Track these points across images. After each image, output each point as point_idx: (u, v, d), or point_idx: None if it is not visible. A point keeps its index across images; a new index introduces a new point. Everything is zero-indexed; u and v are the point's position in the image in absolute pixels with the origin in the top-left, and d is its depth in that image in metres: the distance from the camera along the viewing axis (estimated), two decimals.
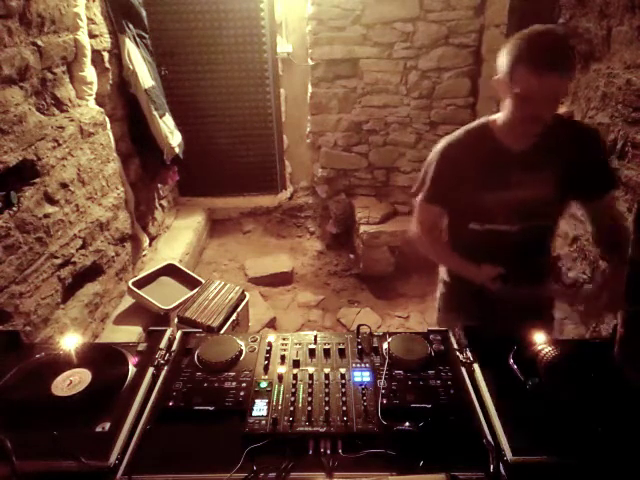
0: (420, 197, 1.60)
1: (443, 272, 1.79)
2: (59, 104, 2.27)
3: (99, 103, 2.63)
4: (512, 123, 1.39)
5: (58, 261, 2.17)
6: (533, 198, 1.44)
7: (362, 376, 1.16)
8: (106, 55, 2.72)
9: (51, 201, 2.13)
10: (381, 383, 1.13)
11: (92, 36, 2.54)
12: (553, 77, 1.23)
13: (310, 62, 3.58)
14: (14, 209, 1.88)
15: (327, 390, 1.12)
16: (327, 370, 1.18)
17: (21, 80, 1.96)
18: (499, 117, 1.44)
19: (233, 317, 2.53)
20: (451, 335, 1.32)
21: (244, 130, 3.91)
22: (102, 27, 2.68)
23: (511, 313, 1.46)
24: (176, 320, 2.49)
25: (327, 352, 1.25)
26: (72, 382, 1.12)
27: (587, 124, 1.55)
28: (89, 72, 2.47)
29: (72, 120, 2.31)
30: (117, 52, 2.85)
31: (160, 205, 3.65)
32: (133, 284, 2.69)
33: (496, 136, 1.45)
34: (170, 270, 2.96)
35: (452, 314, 1.77)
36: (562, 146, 1.39)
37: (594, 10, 1.93)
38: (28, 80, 2.00)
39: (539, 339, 1.24)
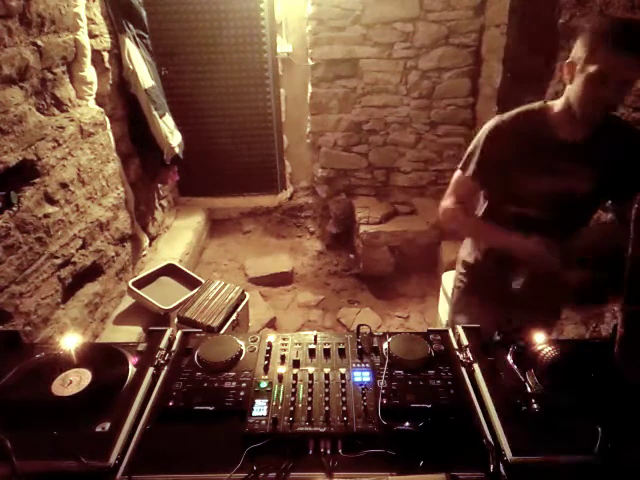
0: (462, 172, 1.61)
1: (467, 254, 1.77)
2: (59, 104, 2.27)
3: (99, 103, 2.63)
4: (572, 110, 1.38)
5: (58, 261, 2.17)
6: (571, 191, 1.46)
7: (362, 376, 1.16)
8: (106, 55, 2.72)
9: (51, 201, 2.13)
10: (381, 383, 1.13)
11: (92, 36, 2.54)
12: (634, 59, 1.22)
13: (310, 62, 3.58)
14: (14, 209, 1.88)
15: (327, 390, 1.12)
16: (327, 370, 1.18)
17: (21, 80, 1.96)
18: (557, 104, 1.44)
19: (233, 317, 2.53)
20: (451, 335, 1.32)
21: (244, 130, 3.91)
22: (102, 27, 2.68)
23: (530, 302, 1.48)
24: (176, 320, 2.49)
25: (327, 352, 1.25)
26: (72, 382, 1.12)
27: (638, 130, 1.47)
28: (89, 72, 2.47)
29: (72, 120, 2.31)
30: (117, 52, 2.85)
31: (160, 205, 3.65)
32: (133, 284, 2.69)
33: (549, 123, 1.44)
34: (170, 270, 2.96)
35: (473, 298, 1.76)
36: (612, 146, 1.40)
37: (594, 10, 1.93)
38: (28, 80, 2.00)
39: (539, 339, 1.24)
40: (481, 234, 1.70)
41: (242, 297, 2.66)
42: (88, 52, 2.43)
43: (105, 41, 2.71)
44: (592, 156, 1.41)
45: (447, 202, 1.64)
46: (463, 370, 1.19)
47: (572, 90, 1.36)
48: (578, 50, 1.32)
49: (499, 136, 1.50)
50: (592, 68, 1.27)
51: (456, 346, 1.28)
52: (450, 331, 1.34)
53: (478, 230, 1.70)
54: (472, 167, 1.57)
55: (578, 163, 1.42)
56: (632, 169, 1.41)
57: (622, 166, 1.40)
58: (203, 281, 2.80)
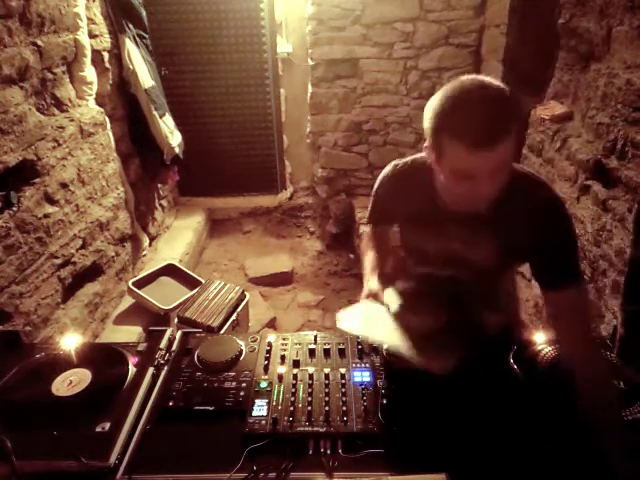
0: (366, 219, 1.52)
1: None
2: (59, 104, 2.27)
3: (99, 103, 2.63)
4: (449, 195, 1.15)
5: (58, 261, 2.17)
6: (466, 257, 1.25)
7: (362, 376, 1.16)
8: (106, 55, 2.72)
9: (51, 201, 2.13)
10: (381, 383, 1.13)
11: (92, 36, 2.54)
12: (489, 153, 0.97)
13: (310, 62, 3.58)
14: (14, 209, 1.88)
15: (327, 390, 1.12)
16: (327, 370, 1.18)
17: (21, 80, 1.96)
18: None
19: (233, 317, 2.53)
20: None
21: (244, 130, 3.91)
22: (102, 27, 2.68)
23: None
24: (176, 320, 2.49)
25: (327, 352, 1.25)
26: (72, 382, 1.12)
27: (549, 193, 1.16)
28: (89, 72, 2.47)
29: (72, 120, 2.31)
30: (117, 52, 2.85)
31: (160, 205, 3.65)
32: (133, 284, 2.69)
33: (436, 185, 1.18)
34: (170, 270, 2.96)
35: None
36: (512, 217, 1.13)
37: (594, 10, 1.93)
38: (28, 80, 2.00)
39: (539, 339, 1.24)
40: (363, 268, 1.50)
41: (242, 297, 2.65)
42: (88, 52, 2.43)
43: (105, 41, 2.71)
44: (488, 227, 1.17)
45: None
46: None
47: (440, 177, 1.11)
48: (427, 133, 1.08)
49: (389, 185, 1.37)
50: (449, 165, 1.05)
51: None
52: None
53: (363, 263, 1.51)
54: (370, 215, 1.48)
55: (471, 231, 1.20)
56: (539, 244, 1.13)
57: (526, 240, 1.13)
58: (203, 281, 2.80)
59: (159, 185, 3.60)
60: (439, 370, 1.04)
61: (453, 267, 1.29)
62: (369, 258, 1.49)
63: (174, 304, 2.65)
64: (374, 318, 1.23)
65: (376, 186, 1.42)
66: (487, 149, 0.97)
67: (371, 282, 1.36)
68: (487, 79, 1.04)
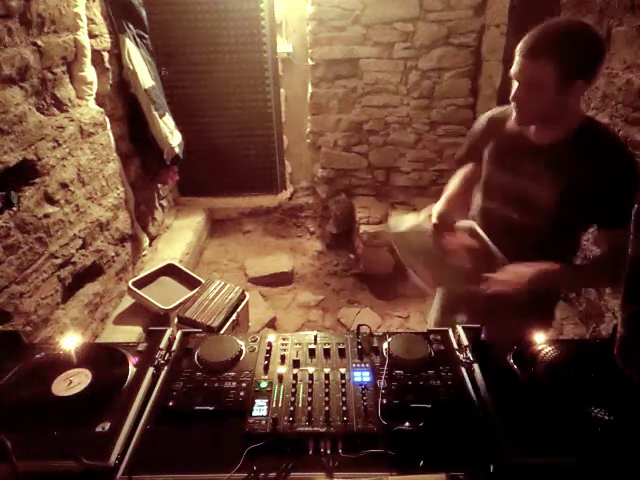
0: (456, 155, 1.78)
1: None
2: (59, 104, 2.27)
3: (99, 103, 2.63)
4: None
5: (58, 261, 2.17)
6: (532, 193, 1.39)
7: (362, 376, 1.16)
8: (106, 55, 2.73)
9: (51, 201, 2.13)
10: (381, 383, 1.13)
11: (92, 36, 2.54)
12: (527, 62, 1.24)
13: (310, 62, 3.58)
14: (14, 209, 1.88)
15: (327, 390, 1.12)
16: (327, 370, 1.18)
17: (21, 80, 1.96)
18: None
19: (233, 317, 2.53)
20: (451, 335, 1.32)
21: (244, 130, 3.91)
22: (102, 27, 2.68)
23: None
24: (176, 320, 2.49)
25: (327, 352, 1.25)
26: (72, 382, 1.12)
27: (618, 144, 1.32)
28: (89, 72, 2.47)
29: (72, 120, 2.31)
30: (117, 52, 2.85)
31: (160, 205, 3.65)
32: (133, 284, 2.69)
33: None
34: (170, 270, 2.96)
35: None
36: (579, 159, 1.29)
37: (594, 10, 1.93)
38: (28, 80, 2.00)
39: (539, 339, 1.24)
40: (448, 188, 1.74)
41: (242, 297, 2.65)
42: (88, 52, 2.43)
43: (105, 41, 2.71)
44: (556, 163, 1.33)
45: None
46: (463, 370, 1.19)
47: None
48: None
49: (486, 123, 1.56)
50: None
51: (456, 346, 1.28)
52: (450, 331, 1.34)
53: (450, 182, 1.75)
54: (460, 152, 1.71)
55: (541, 167, 1.37)
56: (599, 190, 1.27)
57: (587, 184, 1.28)
58: (203, 281, 2.80)
59: (159, 185, 3.60)
60: (427, 284, 1.17)
61: (514, 206, 1.45)
62: (450, 186, 1.71)
63: (174, 304, 2.65)
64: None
65: (475, 124, 1.64)
66: (526, 58, 1.23)
67: (437, 205, 1.61)
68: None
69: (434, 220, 1.57)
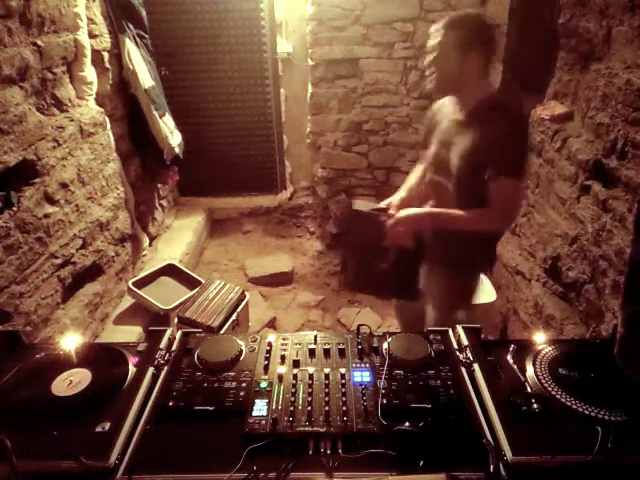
0: None
1: None
2: (59, 104, 2.27)
3: (99, 103, 2.63)
4: None
5: (58, 261, 2.17)
6: (449, 159, 1.69)
7: (362, 376, 1.16)
8: (106, 55, 2.72)
9: (51, 201, 2.13)
10: (381, 383, 1.13)
11: (92, 36, 2.54)
12: (436, 34, 1.65)
13: (310, 62, 3.58)
14: (14, 209, 1.88)
15: (327, 390, 1.12)
16: (327, 370, 1.18)
17: (21, 80, 1.96)
18: None
19: (233, 317, 2.53)
20: (451, 335, 1.32)
21: (244, 130, 3.91)
22: (102, 27, 2.68)
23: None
24: (176, 320, 2.49)
25: (327, 352, 1.25)
26: (72, 382, 1.12)
27: (510, 113, 1.64)
28: (89, 72, 2.47)
29: (72, 120, 2.31)
30: (117, 52, 2.85)
31: (160, 205, 3.65)
32: (133, 284, 2.69)
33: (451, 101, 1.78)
34: (170, 270, 2.96)
35: None
36: (478, 126, 1.60)
37: (594, 10, 1.93)
38: (28, 80, 2.00)
39: (539, 339, 1.24)
40: None
41: (242, 297, 2.65)
42: (88, 52, 2.43)
43: (105, 41, 2.71)
44: (463, 132, 1.65)
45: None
46: (463, 370, 1.19)
47: None
48: None
49: (433, 112, 1.90)
50: None
51: (456, 346, 1.28)
52: (450, 331, 1.34)
53: (411, 173, 2.11)
54: (421, 139, 2.02)
55: (455, 136, 1.68)
56: (487, 144, 1.57)
57: (482, 146, 1.58)
58: (203, 281, 2.80)
59: (159, 185, 3.60)
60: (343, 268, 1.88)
61: (441, 172, 1.76)
62: (411, 176, 2.05)
63: (174, 304, 2.65)
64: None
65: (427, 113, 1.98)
66: (434, 32, 1.68)
67: (397, 193, 1.99)
68: (475, 13, 1.79)
69: (386, 204, 1.94)
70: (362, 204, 2.00)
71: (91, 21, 2.55)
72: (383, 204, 1.98)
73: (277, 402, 1.09)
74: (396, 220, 1.72)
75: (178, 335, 1.33)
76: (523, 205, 2.57)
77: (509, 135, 1.56)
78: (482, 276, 2.73)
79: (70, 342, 1.26)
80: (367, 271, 1.92)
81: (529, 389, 1.10)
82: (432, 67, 1.69)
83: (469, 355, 1.22)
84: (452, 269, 1.85)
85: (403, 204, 1.93)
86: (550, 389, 1.09)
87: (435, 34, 1.66)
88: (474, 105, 1.66)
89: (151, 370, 1.18)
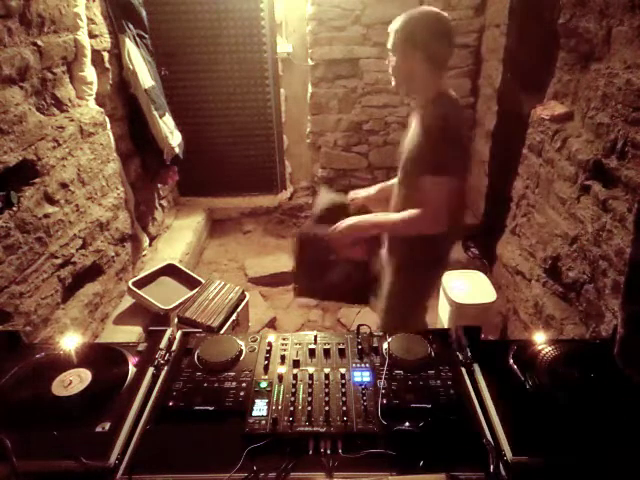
0: None
1: None
2: (59, 104, 2.27)
3: (99, 103, 2.63)
4: None
5: (58, 261, 2.17)
6: (400, 157, 1.75)
7: (362, 376, 1.16)
8: (106, 55, 2.72)
9: (51, 201, 2.13)
10: (381, 383, 1.13)
11: (92, 36, 2.54)
12: (389, 35, 1.64)
13: (310, 62, 3.58)
14: (14, 209, 1.88)
15: (327, 390, 1.12)
16: (327, 370, 1.18)
17: (21, 80, 1.96)
18: None
19: (233, 317, 2.53)
20: (451, 335, 1.32)
21: (244, 130, 3.91)
22: (102, 27, 2.68)
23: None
24: (176, 320, 2.49)
25: (327, 352, 1.25)
26: (72, 382, 1.12)
27: (441, 113, 1.61)
28: (89, 72, 2.47)
29: (72, 120, 2.31)
30: (117, 52, 2.85)
31: (160, 205, 3.65)
32: (133, 284, 2.69)
33: None
34: (170, 270, 2.95)
35: None
36: (422, 125, 1.63)
37: (594, 10, 1.93)
38: (28, 80, 2.00)
39: (539, 339, 1.24)
40: None
41: (242, 297, 2.65)
42: (88, 52, 2.43)
43: (105, 41, 2.71)
44: (412, 133, 1.68)
45: None
46: (463, 370, 1.19)
47: None
48: None
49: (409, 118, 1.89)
50: None
51: (456, 346, 1.28)
52: (450, 331, 1.34)
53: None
54: None
55: (407, 138, 1.73)
56: (419, 145, 1.62)
57: (420, 144, 1.61)
58: (203, 281, 2.80)
59: (159, 185, 3.60)
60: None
61: (400, 171, 1.79)
62: (391, 180, 2.02)
63: (174, 304, 2.65)
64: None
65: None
66: (389, 33, 1.65)
67: (366, 189, 2.04)
68: (432, 9, 1.64)
69: (350, 198, 2.01)
70: (327, 196, 2.06)
71: (91, 21, 2.55)
72: (350, 196, 2.02)
73: (277, 402, 1.09)
74: (338, 231, 1.72)
75: (178, 335, 1.33)
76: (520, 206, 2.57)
77: (438, 133, 1.56)
78: (481, 276, 2.74)
79: (70, 342, 1.26)
80: (319, 281, 1.95)
81: (529, 389, 1.10)
82: (390, 67, 1.69)
83: (469, 355, 1.21)
84: (395, 270, 1.87)
85: (369, 202, 1.96)
86: (550, 389, 1.09)
87: (389, 36, 1.65)
88: (423, 105, 1.68)
89: (151, 370, 1.18)
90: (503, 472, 0.93)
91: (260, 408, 1.07)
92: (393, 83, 1.73)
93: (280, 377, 1.16)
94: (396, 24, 1.62)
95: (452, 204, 1.59)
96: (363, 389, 1.12)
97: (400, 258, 1.85)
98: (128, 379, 1.15)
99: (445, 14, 1.61)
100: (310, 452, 0.99)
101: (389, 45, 1.66)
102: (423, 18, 1.61)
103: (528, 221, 2.54)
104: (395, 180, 1.88)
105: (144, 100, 2.94)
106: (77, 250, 2.33)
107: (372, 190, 2.02)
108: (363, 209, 1.97)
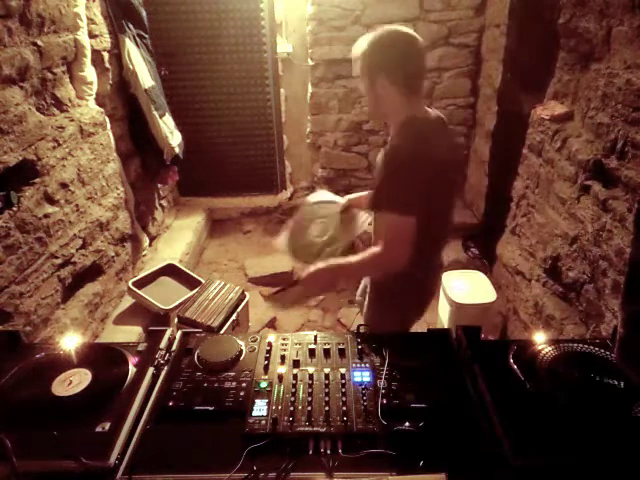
0: None
1: None
2: (59, 104, 2.27)
3: (99, 103, 2.63)
4: None
5: (58, 261, 2.17)
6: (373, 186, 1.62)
7: (362, 376, 1.16)
8: (106, 55, 2.72)
9: (51, 201, 2.13)
10: (381, 383, 1.13)
11: (92, 36, 2.54)
12: (353, 64, 1.54)
13: (310, 62, 3.58)
14: (14, 209, 1.88)
15: (327, 390, 1.12)
16: (327, 370, 1.18)
17: (21, 80, 1.96)
18: None
19: (233, 317, 2.53)
20: (451, 335, 1.32)
21: (244, 130, 3.91)
22: (102, 27, 2.68)
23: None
24: (176, 320, 2.49)
25: (327, 352, 1.25)
26: (72, 382, 1.12)
27: (400, 142, 1.50)
28: (89, 72, 2.47)
29: (72, 120, 2.31)
30: (117, 52, 2.85)
31: (160, 205, 3.65)
32: (133, 284, 2.69)
33: None
34: (170, 270, 2.95)
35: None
36: (385, 154, 1.52)
37: (594, 10, 1.93)
38: (28, 80, 2.00)
39: (539, 339, 1.24)
40: None
41: (242, 297, 2.65)
42: (88, 52, 2.43)
43: (105, 41, 2.71)
44: (382, 156, 1.55)
45: None
46: (463, 370, 1.19)
47: None
48: None
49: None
50: None
51: (456, 346, 1.28)
52: (450, 331, 1.34)
53: None
54: None
55: (380, 164, 1.58)
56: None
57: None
58: (203, 281, 2.80)
59: (159, 185, 3.60)
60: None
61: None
62: None
63: (174, 304, 2.65)
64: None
65: None
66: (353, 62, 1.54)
67: (359, 193, 1.95)
68: (395, 29, 1.49)
69: (343, 200, 1.95)
70: (319, 195, 2.04)
71: (91, 21, 2.55)
72: (346, 198, 1.97)
73: (277, 402, 1.09)
74: (302, 281, 1.62)
75: (178, 335, 1.33)
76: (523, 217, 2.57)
77: (391, 165, 1.46)
78: (481, 276, 2.74)
79: (70, 342, 1.26)
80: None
81: (529, 389, 1.10)
82: (365, 95, 1.60)
83: (469, 355, 1.21)
84: (371, 302, 1.82)
85: (358, 204, 1.91)
86: (550, 389, 1.09)
87: (354, 62, 1.54)
88: (395, 129, 1.56)
89: (151, 370, 1.18)
90: (503, 472, 0.93)
91: (260, 408, 1.07)
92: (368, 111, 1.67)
93: (280, 377, 1.16)
94: (358, 49, 1.50)
95: (410, 237, 1.45)
96: (363, 389, 1.12)
97: (373, 291, 1.79)
98: (128, 379, 1.15)
99: (413, 34, 1.47)
100: (310, 452, 0.99)
101: (354, 73, 1.56)
102: (386, 40, 1.47)
103: (528, 221, 2.54)
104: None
105: (144, 100, 2.95)
106: (77, 250, 2.33)
107: (364, 192, 1.92)
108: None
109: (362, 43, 1.50)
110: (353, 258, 1.55)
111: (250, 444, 0.99)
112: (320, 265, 1.59)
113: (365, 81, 1.52)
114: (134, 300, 2.72)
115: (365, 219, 1.92)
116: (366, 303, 1.87)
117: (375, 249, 1.51)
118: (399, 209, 1.44)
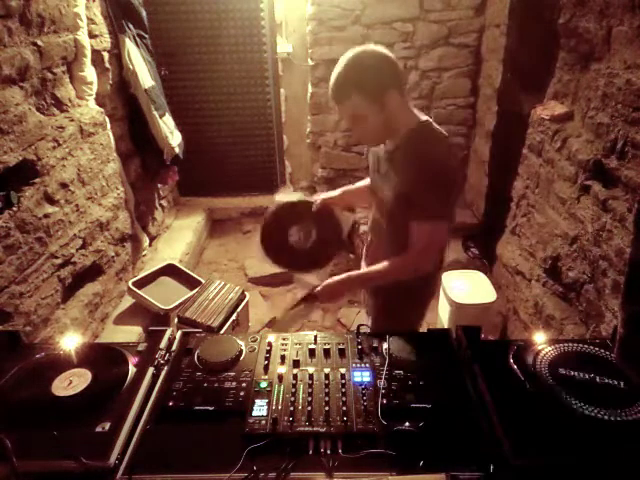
0: None
1: None
2: (59, 104, 2.27)
3: (99, 103, 2.63)
4: None
5: (58, 261, 2.17)
6: (383, 195, 1.57)
7: (362, 376, 1.16)
8: (106, 55, 2.72)
9: (51, 201, 2.13)
10: (381, 383, 1.13)
11: (92, 36, 2.54)
12: (339, 107, 1.46)
13: (310, 62, 3.58)
14: (14, 209, 1.88)
15: (327, 390, 1.12)
16: (327, 370, 1.18)
17: (21, 80, 1.96)
18: None
19: (233, 317, 2.53)
20: (451, 335, 1.32)
21: (244, 130, 3.91)
22: (102, 27, 2.68)
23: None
24: (176, 320, 2.49)
25: (327, 352, 1.25)
26: (72, 382, 1.12)
27: (423, 149, 1.44)
28: (89, 72, 2.47)
29: (72, 120, 2.31)
30: (117, 52, 2.85)
31: (160, 205, 3.65)
32: (133, 284, 2.69)
33: None
34: (170, 270, 2.96)
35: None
36: (401, 163, 1.46)
37: (594, 10, 1.93)
38: (28, 80, 2.00)
39: (539, 339, 1.24)
40: None
41: (242, 297, 2.65)
42: (88, 52, 2.43)
43: (105, 41, 2.71)
44: (393, 166, 1.50)
45: None
46: (463, 370, 1.19)
47: None
48: None
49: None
50: None
51: (456, 346, 1.28)
52: (450, 331, 1.34)
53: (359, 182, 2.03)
54: None
55: (386, 171, 1.54)
56: (406, 188, 1.44)
57: (403, 184, 1.45)
58: (203, 281, 2.80)
59: (159, 185, 3.60)
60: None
61: (378, 208, 1.66)
62: (356, 183, 1.98)
63: (174, 304, 2.65)
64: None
65: None
66: (337, 104, 1.46)
67: (331, 192, 1.95)
68: (371, 49, 1.44)
69: (317, 199, 1.90)
70: (285, 197, 2.01)
71: (91, 21, 2.55)
72: (313, 198, 1.94)
73: (277, 402, 1.09)
74: (318, 294, 1.61)
75: (178, 335, 1.33)
76: (526, 209, 2.57)
77: (430, 173, 1.40)
78: (481, 276, 2.74)
79: (70, 342, 1.26)
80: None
81: (529, 389, 1.10)
82: (353, 130, 1.55)
83: (469, 355, 1.21)
84: (379, 309, 1.80)
85: (332, 204, 1.90)
86: (550, 389, 1.09)
87: (339, 105, 1.46)
88: (402, 137, 1.47)
89: (151, 370, 1.18)
90: (503, 472, 0.93)
91: (260, 408, 1.07)
92: (353, 140, 1.58)
93: (280, 377, 1.16)
94: (335, 79, 1.41)
95: (442, 243, 1.52)
96: (363, 389, 1.12)
97: (382, 298, 1.76)
98: (128, 379, 1.15)
99: (381, 50, 1.44)
100: (310, 452, 0.99)
101: (340, 113, 1.51)
102: (369, 59, 1.41)
103: (528, 221, 2.54)
104: (370, 219, 1.79)
105: (144, 100, 2.95)
106: (77, 250, 2.33)
107: (335, 193, 1.92)
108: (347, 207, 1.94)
109: (337, 71, 1.41)
110: (375, 267, 1.56)
111: (250, 444, 0.99)
112: (337, 278, 1.58)
113: (368, 109, 1.40)
114: (134, 300, 2.72)
115: (348, 217, 1.91)
116: (372, 310, 1.83)
117: (404, 256, 1.49)
118: (436, 217, 1.43)
